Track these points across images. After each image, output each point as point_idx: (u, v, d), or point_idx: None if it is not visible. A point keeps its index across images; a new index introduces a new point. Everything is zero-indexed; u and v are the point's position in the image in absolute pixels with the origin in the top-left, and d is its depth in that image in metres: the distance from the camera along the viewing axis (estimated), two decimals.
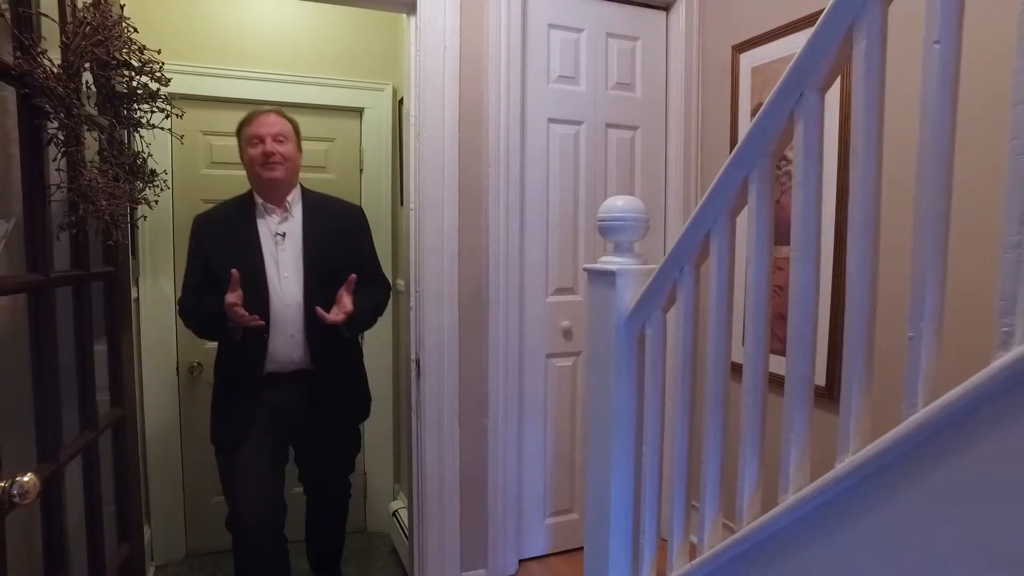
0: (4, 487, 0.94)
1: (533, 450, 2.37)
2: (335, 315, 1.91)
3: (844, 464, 0.86)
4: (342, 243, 2.06)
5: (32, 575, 1.22)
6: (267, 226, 2.00)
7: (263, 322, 1.87)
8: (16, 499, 0.96)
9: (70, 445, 1.30)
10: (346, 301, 1.94)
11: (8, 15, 1.10)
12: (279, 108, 2.07)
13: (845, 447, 0.87)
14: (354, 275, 1.94)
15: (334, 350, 2.04)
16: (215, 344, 2.80)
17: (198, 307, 1.99)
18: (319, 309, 1.90)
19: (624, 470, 1.34)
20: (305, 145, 2.91)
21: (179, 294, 2.16)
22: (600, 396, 1.37)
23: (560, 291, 2.35)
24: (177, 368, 2.77)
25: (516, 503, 2.34)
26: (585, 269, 1.43)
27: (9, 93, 1.14)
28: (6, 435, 1.10)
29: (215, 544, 2.91)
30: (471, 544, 2.28)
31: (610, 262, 1.35)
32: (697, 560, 1.16)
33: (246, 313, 1.81)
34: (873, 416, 0.88)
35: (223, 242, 1.98)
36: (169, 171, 2.64)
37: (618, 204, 1.35)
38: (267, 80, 2.86)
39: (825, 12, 0.86)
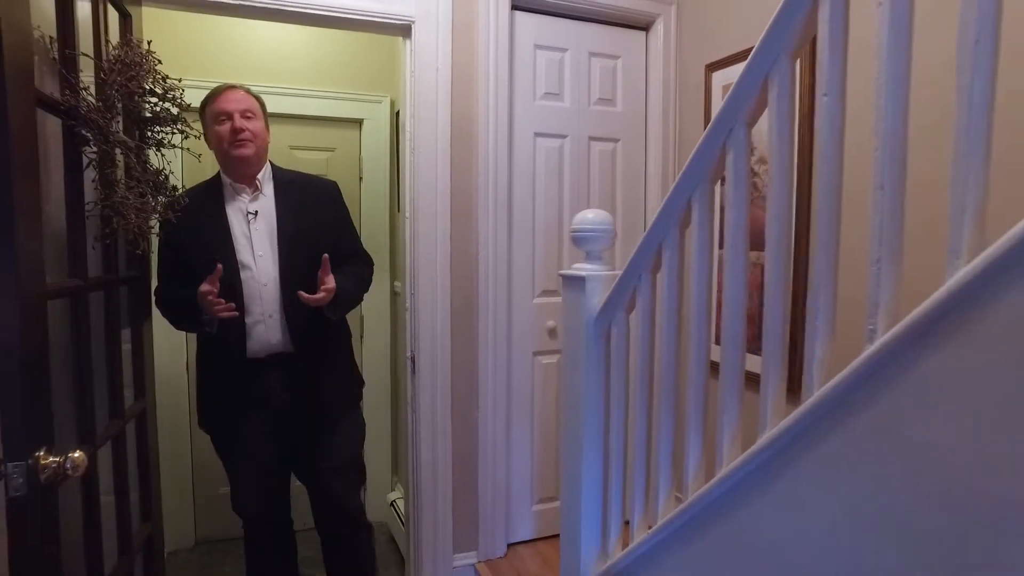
0: (60, 461, 1.11)
1: (520, 441, 2.54)
2: (318, 296, 1.82)
3: (762, 439, 1.03)
4: (318, 218, 2.00)
5: (70, 546, 1.39)
6: (237, 206, 1.93)
7: (236, 313, 1.79)
8: (69, 472, 1.13)
9: (103, 432, 1.48)
10: (328, 280, 1.84)
11: (56, 55, 1.28)
12: (244, 85, 1.98)
13: (764, 425, 1.04)
14: (327, 255, 1.85)
15: (315, 331, 1.95)
16: None
17: (172, 299, 1.93)
18: (302, 293, 1.81)
19: (593, 452, 1.52)
20: (307, 155, 3.11)
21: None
22: (572, 387, 1.55)
23: (545, 293, 2.52)
24: (186, 365, 2.94)
25: (505, 491, 2.51)
26: (560, 274, 1.60)
27: (55, 123, 1.31)
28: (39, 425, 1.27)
29: (223, 532, 3.09)
30: (463, 529, 2.45)
31: (581, 268, 1.53)
32: (652, 530, 1.34)
33: (221, 301, 1.75)
34: (785, 399, 1.05)
35: (191, 228, 1.86)
36: (180, 179, 2.81)
37: (589, 217, 1.52)
38: (272, 93, 3.02)
39: (746, 63, 1.04)
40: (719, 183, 1.26)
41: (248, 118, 1.90)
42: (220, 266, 1.75)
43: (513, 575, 2.41)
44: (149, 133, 1.65)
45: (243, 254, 1.89)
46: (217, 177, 1.98)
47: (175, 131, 1.67)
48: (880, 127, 0.82)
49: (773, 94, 1.01)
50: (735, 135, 1.09)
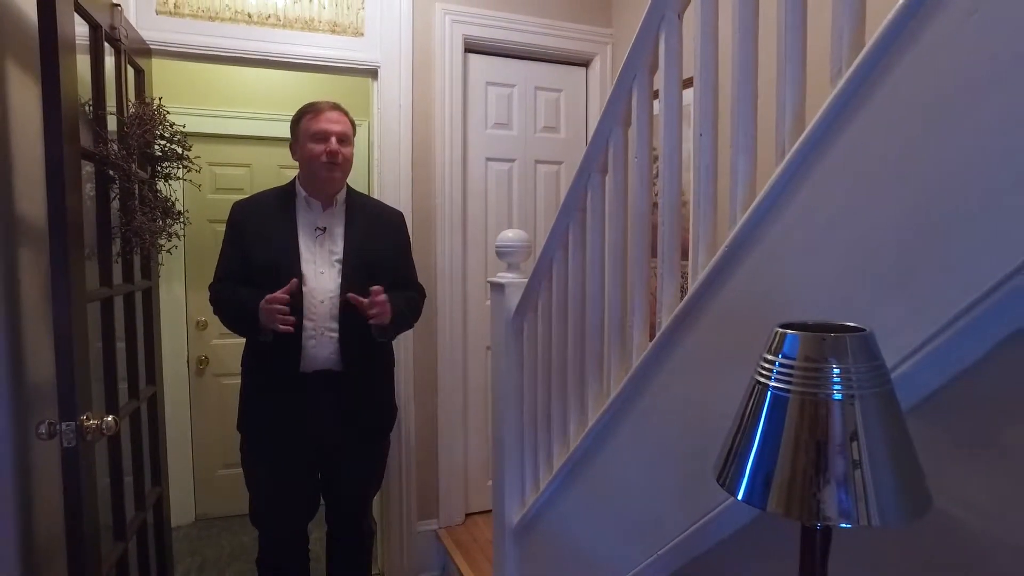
0: (98, 424, 1.50)
1: (476, 425, 2.93)
2: (370, 305, 1.83)
3: (607, 403, 1.44)
4: (383, 244, 2.03)
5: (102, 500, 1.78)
6: (307, 219, 1.96)
7: (292, 328, 1.79)
8: (104, 431, 1.52)
9: (123, 407, 1.87)
10: (381, 296, 1.85)
11: (91, 115, 1.67)
12: (338, 103, 2.01)
13: (608, 393, 1.44)
14: (377, 287, 1.85)
15: (366, 353, 1.98)
16: (221, 340, 3.41)
17: (231, 300, 1.94)
18: (352, 295, 1.83)
19: (512, 423, 1.92)
20: (292, 174, 3.48)
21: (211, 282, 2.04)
22: (497, 371, 1.95)
23: None
24: (187, 360, 3.33)
25: (463, 468, 2.91)
26: (488, 281, 2.00)
27: (88, 166, 1.70)
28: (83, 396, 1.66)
29: (220, 510, 3.50)
30: (425, 500, 2.84)
31: (503, 277, 1.92)
32: (549, 479, 1.74)
33: (287, 311, 1.76)
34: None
35: (259, 231, 1.92)
36: (181, 196, 3.21)
37: (509, 236, 1.92)
38: (263, 119, 3.45)
39: (595, 129, 1.44)
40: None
41: (343, 143, 1.94)
42: (296, 281, 1.79)
43: (469, 539, 2.80)
44: (159, 168, 2.05)
45: (306, 268, 1.91)
46: (292, 185, 2.02)
47: (180, 166, 2.07)
48: (663, 186, 1.22)
49: (611, 153, 1.41)
50: (592, 180, 1.49)
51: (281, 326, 1.77)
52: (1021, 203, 0.66)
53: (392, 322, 1.95)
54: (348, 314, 1.89)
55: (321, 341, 1.91)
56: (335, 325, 1.91)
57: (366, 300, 1.83)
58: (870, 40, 0.79)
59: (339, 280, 1.92)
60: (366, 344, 1.96)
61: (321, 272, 1.92)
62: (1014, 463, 0.74)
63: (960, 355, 0.74)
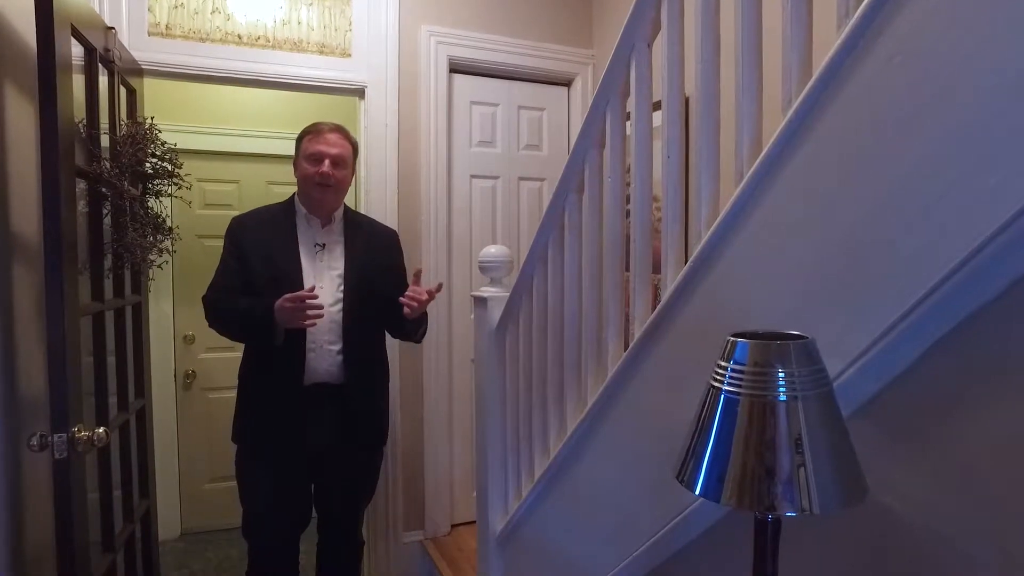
0: (89, 435, 1.54)
1: (462, 437, 2.98)
2: (431, 289, 1.93)
3: (584, 412, 1.50)
4: (380, 260, 2.11)
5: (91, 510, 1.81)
6: (307, 235, 2.02)
7: (322, 313, 1.84)
8: (95, 443, 1.55)
9: (113, 419, 1.90)
10: (419, 288, 1.93)
11: (84, 133, 1.72)
12: (341, 125, 2.07)
13: (585, 403, 1.51)
14: (420, 268, 1.99)
15: (367, 364, 2.04)
16: (208, 355, 3.43)
17: (236, 307, 1.95)
18: (415, 288, 1.92)
19: (496, 433, 1.97)
20: (282, 189, 3.55)
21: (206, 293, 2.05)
22: (480, 382, 2.01)
23: None
24: (175, 374, 3.36)
25: (448, 479, 2.95)
26: (471, 295, 2.06)
27: (82, 183, 1.75)
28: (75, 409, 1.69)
29: (207, 524, 3.50)
30: (411, 511, 2.88)
31: (485, 291, 1.99)
32: (531, 488, 1.79)
33: (312, 304, 1.78)
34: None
35: (260, 246, 1.97)
36: (170, 212, 3.24)
37: (491, 251, 1.98)
38: (251, 136, 3.51)
39: (572, 151, 1.51)
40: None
41: (337, 166, 1.98)
42: (314, 286, 1.86)
43: (455, 550, 2.84)
44: (150, 185, 2.09)
45: (307, 282, 1.95)
46: (291, 201, 2.08)
47: (171, 183, 2.12)
48: (634, 206, 1.30)
49: (586, 175, 1.49)
50: (569, 199, 1.57)
51: (308, 320, 1.80)
52: (936, 226, 0.74)
53: (422, 322, 2.06)
54: (350, 327, 1.95)
55: (320, 354, 1.95)
56: (334, 338, 1.96)
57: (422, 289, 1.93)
58: (813, 76, 0.86)
59: (339, 295, 1.98)
60: (366, 357, 2.02)
61: (321, 287, 1.97)
62: (940, 458, 0.81)
63: (895, 361, 0.81)
